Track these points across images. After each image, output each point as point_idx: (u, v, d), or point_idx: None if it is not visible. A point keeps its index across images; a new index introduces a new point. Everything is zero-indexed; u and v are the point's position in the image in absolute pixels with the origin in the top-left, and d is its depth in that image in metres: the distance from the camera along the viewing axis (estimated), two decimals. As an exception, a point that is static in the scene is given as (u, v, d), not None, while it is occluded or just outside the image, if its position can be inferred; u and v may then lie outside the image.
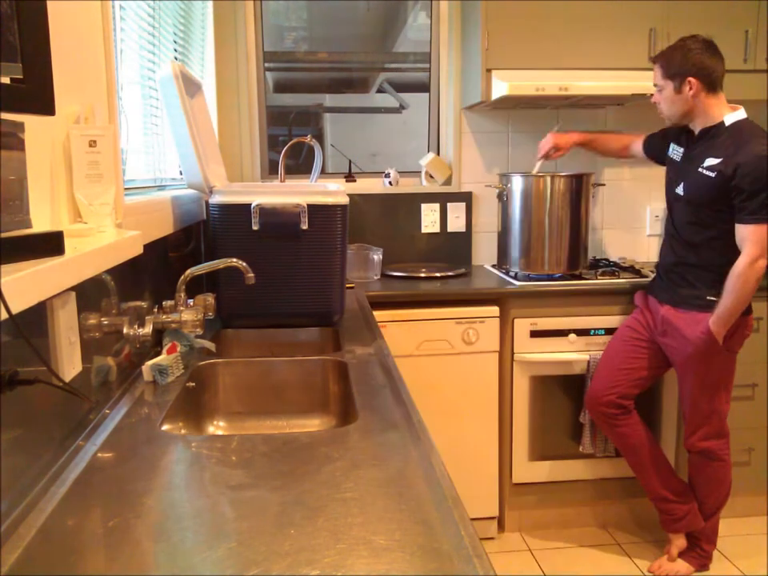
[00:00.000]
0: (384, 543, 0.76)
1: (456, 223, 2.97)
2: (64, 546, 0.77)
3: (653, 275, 2.39)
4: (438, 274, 2.66)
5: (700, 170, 2.07)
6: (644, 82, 2.41)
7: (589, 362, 2.43)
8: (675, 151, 2.23)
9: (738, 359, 2.18)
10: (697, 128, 2.13)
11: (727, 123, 2.06)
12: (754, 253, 1.96)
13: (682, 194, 2.13)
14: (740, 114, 2.07)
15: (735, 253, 2.02)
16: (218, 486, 0.92)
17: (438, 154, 3.06)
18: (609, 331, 2.47)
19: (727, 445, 2.25)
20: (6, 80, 0.79)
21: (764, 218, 1.95)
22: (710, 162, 2.04)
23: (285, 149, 2.68)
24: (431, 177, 2.98)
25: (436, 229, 2.96)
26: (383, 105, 3.18)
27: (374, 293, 2.39)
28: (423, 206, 2.94)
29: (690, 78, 2.05)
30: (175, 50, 2.18)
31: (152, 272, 1.60)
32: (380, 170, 3.01)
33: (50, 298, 0.93)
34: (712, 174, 2.03)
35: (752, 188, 1.95)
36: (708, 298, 2.09)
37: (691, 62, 2.04)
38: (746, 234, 1.98)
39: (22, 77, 0.80)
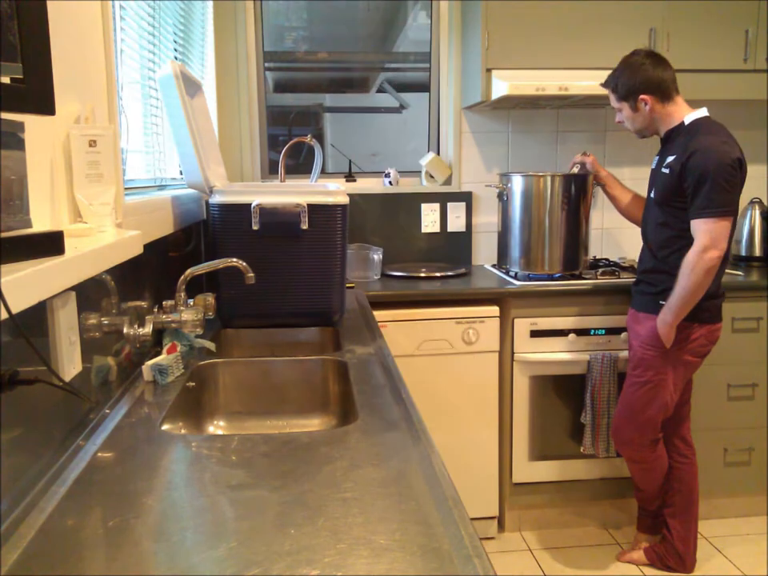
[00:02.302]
0: (384, 543, 0.76)
1: (456, 223, 2.97)
2: (64, 546, 0.77)
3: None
4: (437, 274, 2.66)
5: (662, 169, 2.09)
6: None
7: (589, 361, 2.43)
8: (653, 162, 2.23)
9: (735, 359, 2.17)
10: (662, 133, 2.15)
11: (686, 122, 2.08)
12: (702, 243, 1.95)
13: (653, 196, 2.14)
14: (700, 112, 2.08)
15: None
16: (218, 485, 0.92)
17: (438, 153, 3.06)
18: (609, 331, 2.47)
19: (651, 450, 2.24)
20: (6, 80, 0.79)
21: (711, 213, 1.94)
22: (668, 160, 2.06)
23: (285, 149, 2.68)
24: (431, 177, 2.98)
25: (436, 229, 2.96)
26: (383, 105, 3.18)
27: (374, 293, 2.39)
28: (423, 206, 2.94)
29: (642, 96, 2.08)
30: (175, 50, 2.18)
31: (152, 272, 1.60)
32: (380, 170, 3.02)
33: (50, 297, 0.93)
34: (667, 171, 2.05)
35: (696, 182, 1.95)
36: (660, 302, 2.09)
37: (638, 79, 2.07)
38: (696, 227, 1.98)
39: (21, 77, 0.80)
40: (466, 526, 0.79)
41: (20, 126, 0.87)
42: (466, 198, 2.96)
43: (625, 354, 2.40)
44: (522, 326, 2.45)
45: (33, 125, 0.95)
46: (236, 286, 1.79)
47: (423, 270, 2.72)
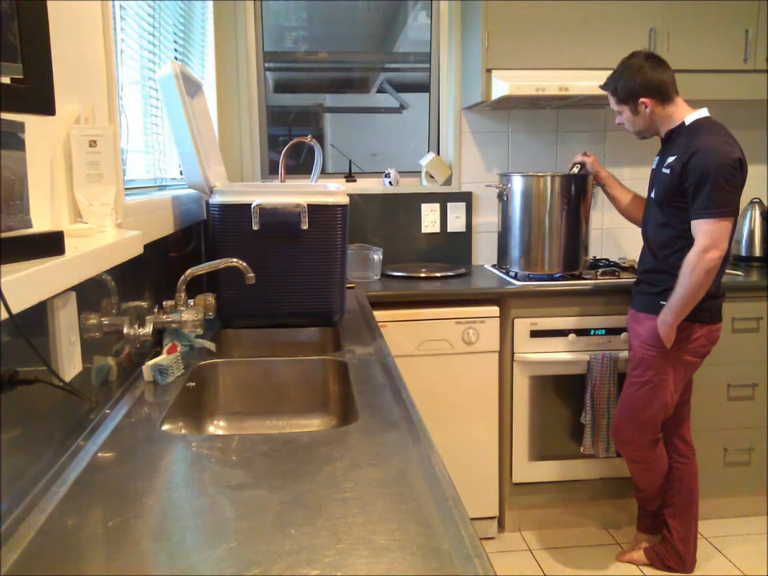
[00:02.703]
0: (384, 543, 0.76)
1: (456, 223, 2.97)
2: (64, 546, 0.77)
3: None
4: (438, 274, 2.66)
5: (663, 170, 2.09)
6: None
7: (589, 362, 2.43)
8: (654, 162, 2.23)
9: (735, 359, 2.17)
10: (663, 134, 2.16)
11: (687, 123, 2.08)
12: (702, 243, 1.95)
13: (653, 196, 2.15)
14: (701, 113, 2.08)
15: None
16: (218, 485, 0.92)
17: (438, 153, 3.06)
18: (609, 331, 2.47)
19: (651, 450, 2.25)
20: (6, 80, 0.79)
21: (711, 213, 1.95)
22: (669, 160, 2.07)
23: (285, 149, 2.68)
24: (431, 177, 2.98)
25: (436, 229, 2.96)
26: (383, 105, 3.18)
27: (374, 293, 2.39)
28: (423, 206, 2.94)
29: (642, 99, 2.09)
30: (175, 50, 2.18)
31: (152, 272, 1.60)
32: (380, 170, 3.01)
33: (50, 297, 0.93)
34: (668, 172, 2.06)
35: (697, 182, 1.96)
36: (661, 302, 2.09)
37: (638, 82, 2.08)
38: (696, 228, 1.98)
39: (22, 77, 0.80)
40: (465, 526, 0.79)
41: (20, 126, 0.87)
42: (466, 198, 2.96)
43: (625, 354, 2.40)
44: (522, 326, 2.45)
45: (33, 125, 0.95)
46: (236, 286, 1.79)
47: (423, 270, 2.72)
